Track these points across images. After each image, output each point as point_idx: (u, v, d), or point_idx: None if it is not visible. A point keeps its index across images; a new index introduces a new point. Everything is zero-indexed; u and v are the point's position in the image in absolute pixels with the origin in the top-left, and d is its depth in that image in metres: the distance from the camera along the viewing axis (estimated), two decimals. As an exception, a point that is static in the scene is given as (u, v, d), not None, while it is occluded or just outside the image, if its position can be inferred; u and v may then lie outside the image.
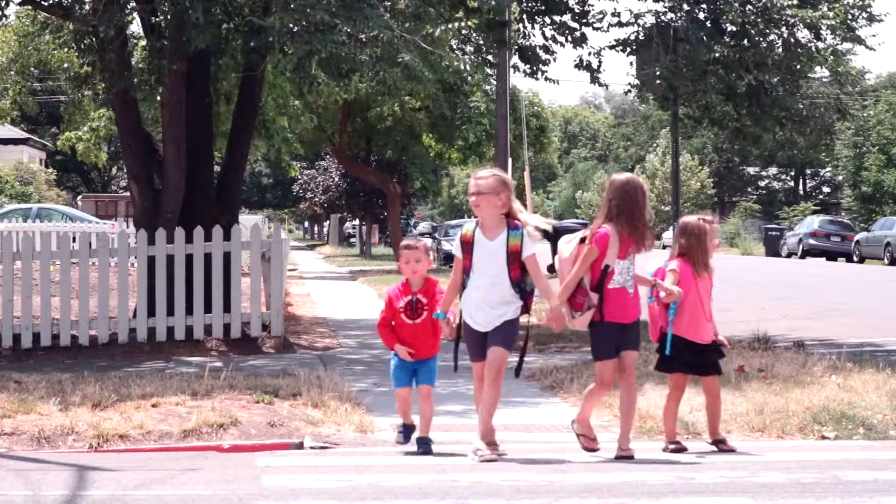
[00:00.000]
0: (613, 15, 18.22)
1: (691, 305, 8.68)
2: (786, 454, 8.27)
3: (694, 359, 8.75)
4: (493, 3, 16.34)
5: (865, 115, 64.83)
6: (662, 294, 8.65)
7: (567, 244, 8.63)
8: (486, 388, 8.36)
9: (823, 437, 9.22)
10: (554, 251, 8.98)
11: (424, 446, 8.69)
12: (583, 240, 8.53)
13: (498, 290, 8.40)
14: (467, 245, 8.55)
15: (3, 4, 15.32)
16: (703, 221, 8.81)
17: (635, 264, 8.55)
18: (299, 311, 21.32)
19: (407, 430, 8.87)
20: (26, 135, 63.02)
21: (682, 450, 8.61)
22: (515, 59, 19.34)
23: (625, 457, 8.33)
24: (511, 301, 8.40)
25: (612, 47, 18.28)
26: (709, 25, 17.49)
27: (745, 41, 17.60)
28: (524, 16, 18.86)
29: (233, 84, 19.43)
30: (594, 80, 18.47)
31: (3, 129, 51.70)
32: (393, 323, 8.71)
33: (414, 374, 8.75)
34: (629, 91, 20.02)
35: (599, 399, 8.75)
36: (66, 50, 20.26)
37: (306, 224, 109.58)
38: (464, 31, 16.61)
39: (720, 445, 8.68)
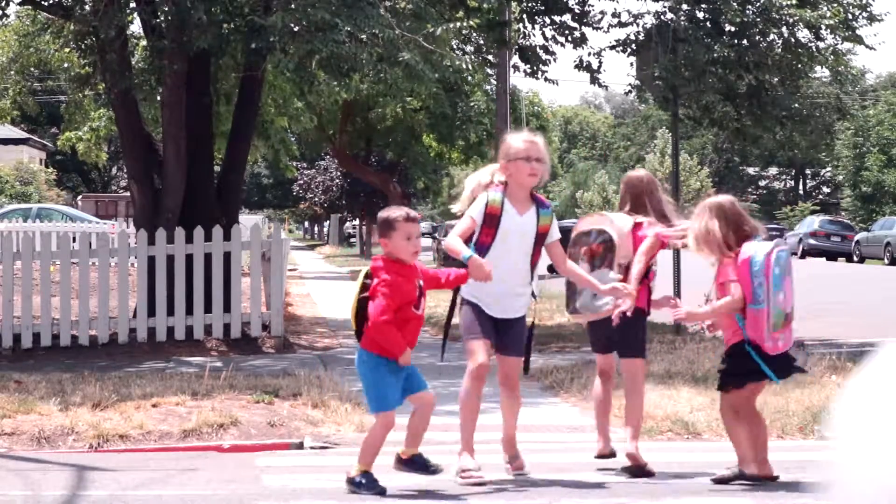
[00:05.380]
0: (613, 15, 18.22)
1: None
2: (786, 454, 8.27)
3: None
4: (494, 2, 16.34)
5: (865, 115, 64.89)
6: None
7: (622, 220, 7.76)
8: (505, 398, 7.47)
9: (824, 437, 9.21)
10: None
11: (425, 466, 7.16)
12: (638, 224, 7.77)
13: (517, 276, 7.31)
14: (493, 219, 7.24)
15: (3, 4, 15.34)
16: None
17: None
18: (299, 311, 21.32)
19: (374, 480, 7.04)
20: (26, 135, 62.98)
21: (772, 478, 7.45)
22: (515, 59, 19.34)
23: (638, 467, 7.51)
24: (527, 290, 7.38)
25: (612, 48, 18.27)
26: (708, 25, 17.48)
27: (745, 41, 17.59)
28: (524, 16, 18.86)
29: (233, 84, 19.44)
30: (594, 80, 18.48)
31: (3, 129, 51.75)
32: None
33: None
34: (629, 91, 20.03)
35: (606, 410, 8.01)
36: (66, 50, 20.27)
37: (306, 224, 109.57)
38: (464, 31, 16.60)
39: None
